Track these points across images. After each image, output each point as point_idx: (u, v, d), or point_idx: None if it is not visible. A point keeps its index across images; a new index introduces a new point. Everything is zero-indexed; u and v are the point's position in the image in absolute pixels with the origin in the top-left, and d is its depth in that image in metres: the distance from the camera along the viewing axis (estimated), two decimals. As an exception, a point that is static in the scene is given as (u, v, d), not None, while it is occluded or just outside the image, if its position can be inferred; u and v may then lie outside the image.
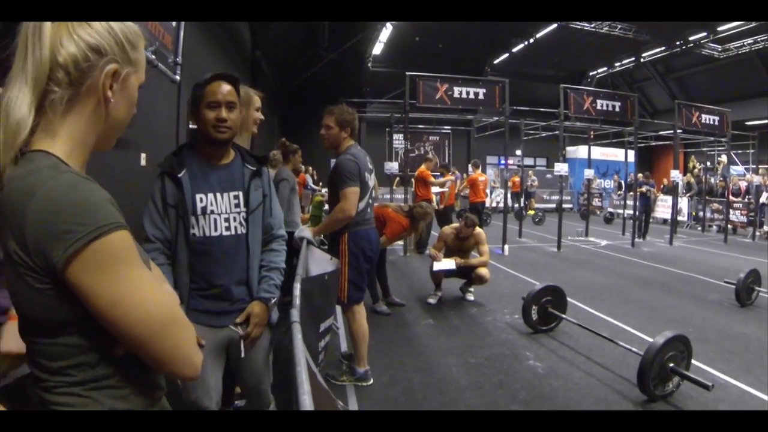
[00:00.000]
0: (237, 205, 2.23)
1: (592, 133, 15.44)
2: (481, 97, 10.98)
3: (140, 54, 1.11)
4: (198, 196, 2.14)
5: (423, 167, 10.55)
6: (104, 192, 0.96)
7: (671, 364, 3.85)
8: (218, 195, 2.19)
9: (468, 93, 10.89)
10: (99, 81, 1.01)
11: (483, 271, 6.48)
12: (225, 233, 2.19)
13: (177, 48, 4.62)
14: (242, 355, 2.24)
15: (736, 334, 5.54)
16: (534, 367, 4.58)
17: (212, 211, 2.16)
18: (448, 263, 6.48)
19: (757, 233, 14.68)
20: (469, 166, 13.39)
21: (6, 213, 0.92)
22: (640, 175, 13.82)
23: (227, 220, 2.20)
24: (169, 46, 4.48)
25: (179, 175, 2.12)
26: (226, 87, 2.17)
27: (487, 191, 17.06)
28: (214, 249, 2.18)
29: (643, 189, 13.51)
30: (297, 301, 2.12)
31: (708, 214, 16.64)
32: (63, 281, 0.91)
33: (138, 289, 0.95)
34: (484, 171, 13.11)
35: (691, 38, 18.79)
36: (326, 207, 6.23)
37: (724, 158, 18.39)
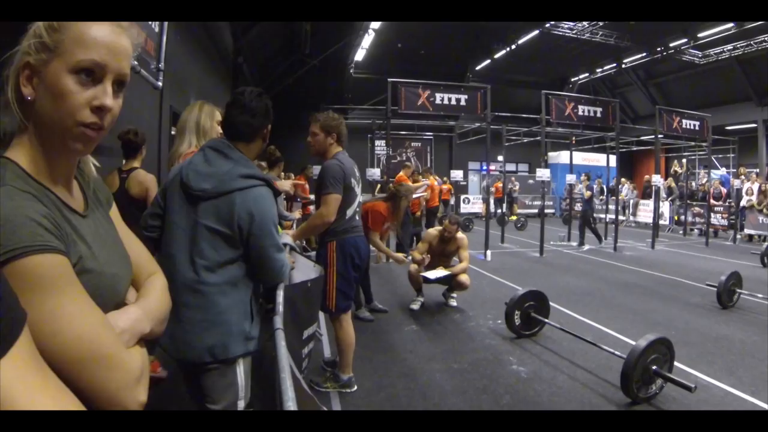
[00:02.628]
0: None
1: (573, 138, 15.51)
2: (462, 103, 11.00)
3: (64, 34, 0.94)
4: None
5: (401, 173, 10.64)
6: (35, 210, 0.89)
7: (654, 367, 3.82)
8: None
9: (450, 99, 10.89)
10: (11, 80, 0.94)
11: (463, 278, 6.43)
12: None
13: (159, 54, 4.57)
14: None
15: (718, 336, 5.54)
16: (517, 371, 4.53)
17: None
18: (438, 272, 6.42)
19: (738, 236, 14.80)
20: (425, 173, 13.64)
21: None
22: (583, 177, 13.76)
23: None
24: (152, 52, 4.42)
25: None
26: None
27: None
28: None
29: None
30: (280, 308, 2.13)
31: (689, 218, 16.76)
32: None
33: (55, 319, 0.87)
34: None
35: (671, 44, 19.03)
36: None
37: (677, 165, 18.64)
